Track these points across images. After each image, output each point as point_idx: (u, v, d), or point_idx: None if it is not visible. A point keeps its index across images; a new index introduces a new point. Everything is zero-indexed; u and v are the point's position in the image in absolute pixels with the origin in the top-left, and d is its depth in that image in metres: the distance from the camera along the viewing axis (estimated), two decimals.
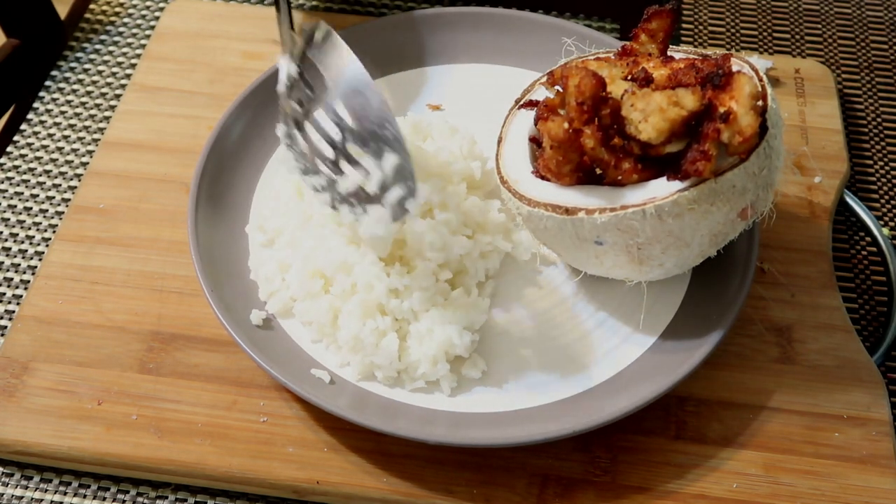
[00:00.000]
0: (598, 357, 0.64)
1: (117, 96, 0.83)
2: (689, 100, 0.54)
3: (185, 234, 0.67)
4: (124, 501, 0.62)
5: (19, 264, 0.73)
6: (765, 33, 0.91)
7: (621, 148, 0.56)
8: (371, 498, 0.61)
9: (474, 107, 0.76)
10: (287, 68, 0.67)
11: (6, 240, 0.74)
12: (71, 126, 0.81)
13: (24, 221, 0.75)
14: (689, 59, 0.60)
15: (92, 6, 0.91)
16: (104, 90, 0.84)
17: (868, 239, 0.76)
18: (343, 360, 0.63)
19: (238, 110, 0.73)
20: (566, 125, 0.56)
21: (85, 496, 0.62)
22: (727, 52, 0.60)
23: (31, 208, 0.76)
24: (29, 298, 0.68)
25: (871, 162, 0.81)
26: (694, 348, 0.62)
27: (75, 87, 0.84)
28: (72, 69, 0.85)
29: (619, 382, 0.63)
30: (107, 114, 0.82)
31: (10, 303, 0.71)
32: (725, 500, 0.61)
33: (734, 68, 0.58)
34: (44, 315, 0.67)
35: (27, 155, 0.80)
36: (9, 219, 0.75)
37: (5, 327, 0.69)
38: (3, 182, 0.78)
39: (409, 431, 0.59)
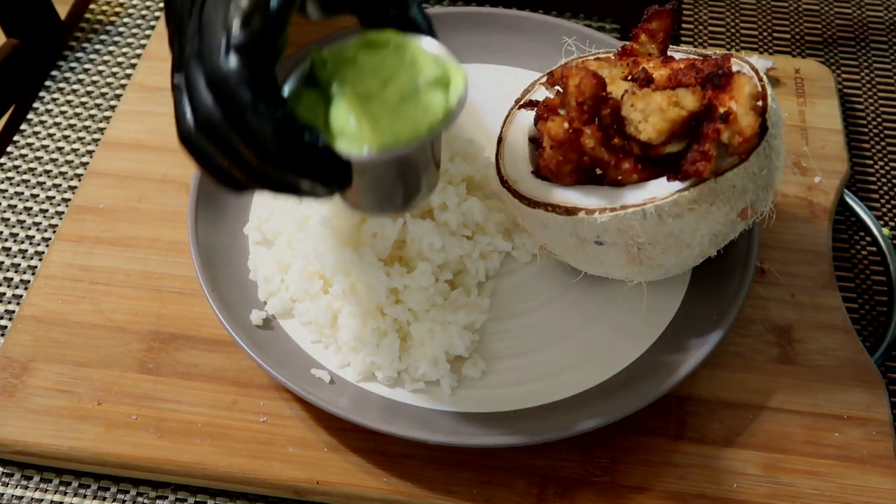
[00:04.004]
0: (598, 357, 0.64)
1: (117, 96, 0.83)
2: (689, 100, 0.54)
3: (185, 234, 0.67)
4: (124, 501, 0.62)
5: (19, 264, 0.73)
6: (765, 33, 0.91)
7: (621, 148, 0.56)
8: (371, 498, 0.61)
9: (474, 107, 0.76)
10: None
11: (6, 240, 0.74)
12: (71, 126, 0.81)
13: (24, 221, 0.75)
14: (689, 59, 0.60)
15: (92, 6, 0.91)
16: (104, 90, 0.84)
17: (868, 239, 0.76)
18: (343, 361, 0.63)
19: None
20: (566, 125, 0.56)
21: (85, 496, 0.62)
22: (727, 52, 0.60)
23: (31, 208, 0.76)
24: (29, 298, 0.68)
25: (871, 162, 0.81)
26: (694, 348, 0.62)
27: (75, 87, 0.84)
28: (72, 69, 0.85)
29: (619, 382, 0.63)
30: (107, 114, 0.82)
31: (10, 303, 0.71)
32: (725, 500, 0.61)
33: (734, 68, 0.58)
34: (44, 315, 0.67)
35: (27, 155, 0.80)
36: (9, 219, 0.75)
37: (5, 327, 0.69)
38: (3, 182, 0.78)
39: (409, 431, 0.59)
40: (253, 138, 0.47)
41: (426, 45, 0.53)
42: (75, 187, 0.77)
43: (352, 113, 0.50)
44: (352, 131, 0.50)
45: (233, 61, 0.45)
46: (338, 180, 0.49)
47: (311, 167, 0.48)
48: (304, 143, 0.48)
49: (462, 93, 0.51)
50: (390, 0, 0.53)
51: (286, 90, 0.52)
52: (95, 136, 0.81)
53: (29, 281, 0.72)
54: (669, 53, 0.62)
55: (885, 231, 0.76)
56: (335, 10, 0.55)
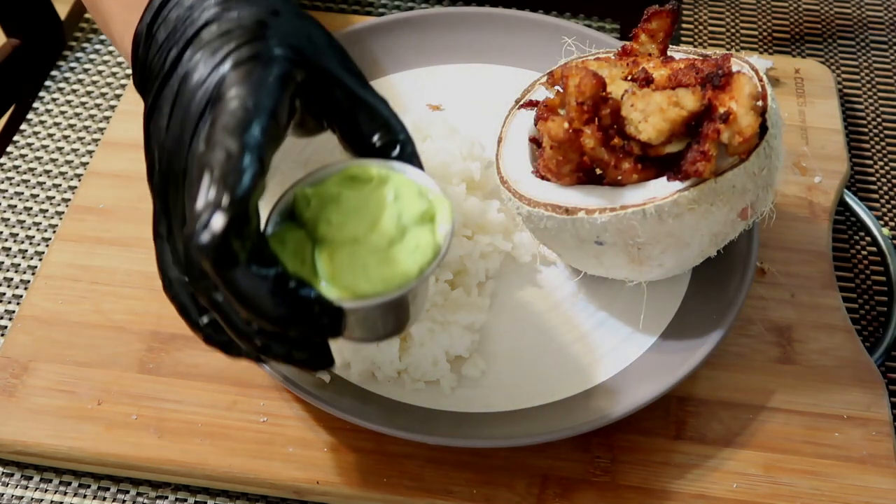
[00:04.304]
0: (598, 357, 0.64)
1: (117, 96, 0.83)
2: (689, 100, 0.54)
3: None
4: (124, 501, 0.62)
5: (19, 264, 0.73)
6: (765, 33, 0.91)
7: (621, 148, 0.56)
8: (371, 498, 0.61)
9: (474, 107, 0.76)
10: None
11: (6, 240, 0.74)
12: (71, 126, 0.81)
13: (24, 221, 0.75)
14: (689, 59, 0.60)
15: None
16: (104, 90, 0.84)
17: (868, 239, 0.76)
18: (343, 360, 0.63)
19: None
20: (566, 125, 0.56)
21: (85, 496, 0.62)
22: (727, 52, 0.60)
23: (31, 208, 0.76)
24: (29, 298, 0.68)
25: (871, 162, 0.81)
26: (694, 348, 0.62)
27: (75, 87, 0.84)
28: (72, 69, 0.85)
29: (619, 382, 0.63)
30: (107, 114, 0.82)
31: (10, 303, 0.71)
32: (725, 500, 0.61)
33: (734, 68, 0.58)
34: (44, 315, 0.67)
35: (27, 155, 0.80)
36: (9, 219, 0.75)
37: (5, 327, 0.69)
38: (3, 182, 0.78)
39: (409, 431, 0.59)
40: (245, 299, 0.47)
41: (410, 175, 0.52)
42: (75, 187, 0.77)
43: (341, 260, 0.50)
44: (342, 279, 0.49)
45: (218, 232, 0.45)
46: (332, 329, 0.49)
47: (305, 320, 0.48)
48: (299, 298, 0.48)
49: (449, 229, 0.51)
50: (377, 127, 0.53)
51: (270, 228, 0.51)
52: (95, 136, 0.81)
53: (29, 281, 0.72)
54: (669, 53, 0.62)
55: (885, 231, 0.76)
56: (317, 132, 0.55)
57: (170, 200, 0.50)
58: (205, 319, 0.52)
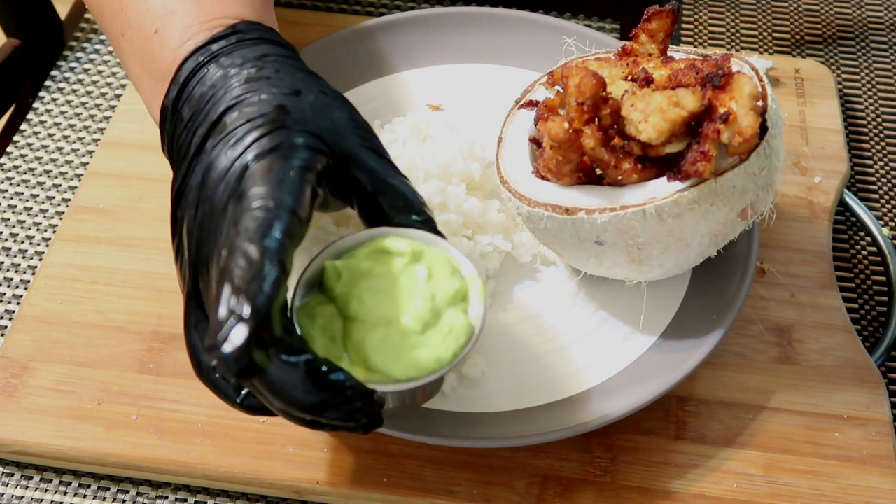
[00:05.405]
0: (598, 357, 0.64)
1: (117, 96, 0.83)
2: (690, 100, 0.54)
3: None
4: (124, 501, 0.62)
5: (19, 264, 0.73)
6: (765, 33, 0.91)
7: (621, 148, 0.56)
8: (371, 498, 0.61)
9: (474, 107, 0.76)
10: None
11: (6, 240, 0.74)
12: (71, 126, 0.81)
13: (24, 221, 0.75)
14: (689, 60, 0.59)
15: None
16: (104, 90, 0.84)
17: (868, 239, 0.76)
18: None
19: None
20: (566, 125, 0.56)
21: (85, 496, 0.62)
22: (727, 52, 0.60)
23: (31, 208, 0.76)
24: (29, 298, 0.68)
25: (871, 162, 0.81)
26: (694, 348, 0.62)
27: (75, 87, 0.84)
28: (72, 69, 0.85)
29: (619, 382, 0.63)
30: (107, 114, 0.82)
31: (10, 303, 0.71)
32: (725, 500, 0.61)
33: (734, 68, 0.58)
34: (44, 315, 0.67)
35: (27, 155, 0.80)
36: (9, 219, 0.75)
37: (5, 327, 0.69)
38: (3, 182, 0.78)
39: (410, 431, 0.59)
40: (277, 391, 0.46)
41: (444, 249, 0.52)
42: (75, 187, 0.77)
43: (373, 342, 0.49)
44: (374, 362, 0.49)
45: (240, 344, 0.44)
46: (365, 412, 0.48)
47: (338, 405, 0.47)
48: (330, 383, 0.47)
49: (482, 311, 0.51)
50: (399, 209, 0.53)
51: (298, 300, 0.51)
52: (95, 136, 0.81)
53: (29, 281, 0.72)
54: (669, 53, 0.62)
55: (885, 231, 0.76)
56: (338, 209, 0.55)
57: (201, 288, 0.50)
58: (243, 393, 0.52)
